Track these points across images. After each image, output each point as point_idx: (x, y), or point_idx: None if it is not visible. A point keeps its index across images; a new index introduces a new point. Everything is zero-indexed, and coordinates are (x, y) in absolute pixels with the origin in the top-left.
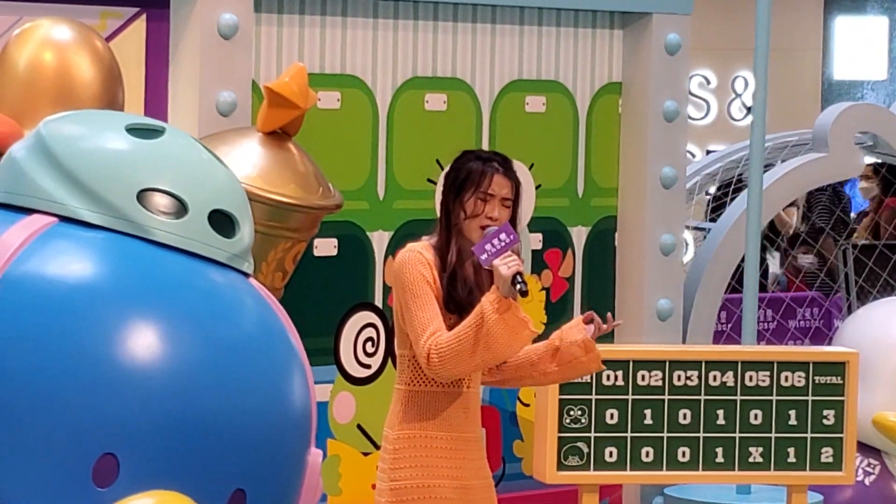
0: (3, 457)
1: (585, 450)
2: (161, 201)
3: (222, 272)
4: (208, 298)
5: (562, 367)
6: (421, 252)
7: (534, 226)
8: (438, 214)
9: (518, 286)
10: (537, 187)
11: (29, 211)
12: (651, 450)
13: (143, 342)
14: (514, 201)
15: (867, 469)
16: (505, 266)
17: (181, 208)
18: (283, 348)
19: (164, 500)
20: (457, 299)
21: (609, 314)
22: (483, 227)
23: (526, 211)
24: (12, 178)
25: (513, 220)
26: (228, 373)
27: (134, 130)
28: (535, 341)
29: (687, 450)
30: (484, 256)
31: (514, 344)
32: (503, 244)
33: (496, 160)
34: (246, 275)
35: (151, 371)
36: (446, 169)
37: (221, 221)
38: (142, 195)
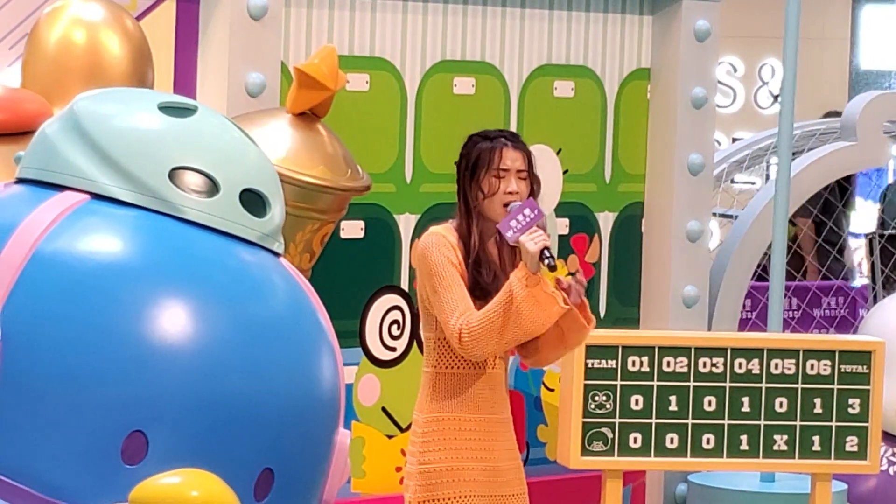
0: (32, 433)
1: (610, 435)
2: (193, 180)
3: (253, 251)
4: (239, 277)
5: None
6: (444, 235)
7: (560, 211)
8: (457, 200)
9: (546, 261)
10: (564, 172)
11: (60, 188)
12: (675, 436)
13: (174, 320)
14: (530, 173)
15: (892, 458)
16: (532, 242)
17: (213, 187)
18: (313, 328)
19: (192, 479)
20: (482, 284)
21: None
22: (506, 205)
23: (553, 196)
24: (44, 154)
25: (532, 192)
26: (258, 352)
27: (166, 109)
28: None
29: (711, 437)
30: (510, 233)
31: (543, 320)
32: (528, 219)
33: (504, 136)
34: (276, 254)
35: (181, 349)
36: (458, 156)
37: (252, 201)
38: (174, 173)
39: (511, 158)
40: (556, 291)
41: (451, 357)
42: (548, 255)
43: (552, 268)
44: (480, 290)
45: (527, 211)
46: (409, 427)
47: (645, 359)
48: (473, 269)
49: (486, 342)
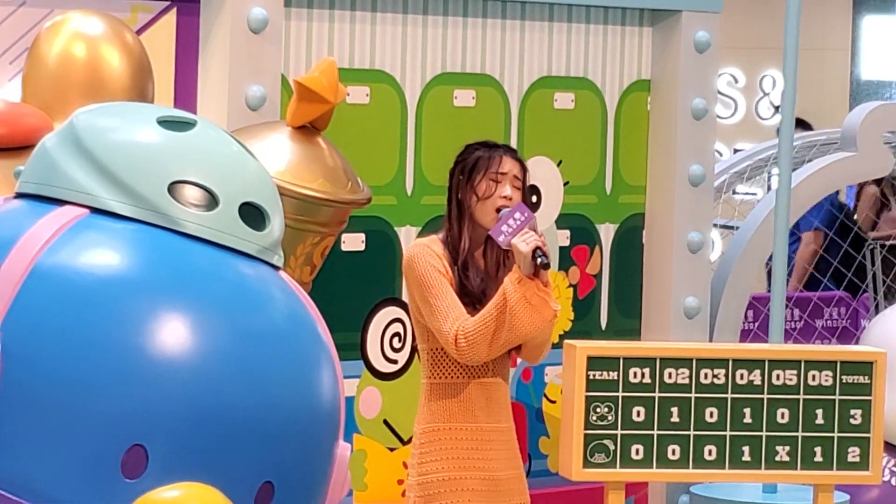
0: (33, 447)
1: (612, 447)
2: (192, 193)
3: (252, 265)
4: (238, 291)
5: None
6: (428, 245)
7: (561, 222)
8: (447, 208)
9: (538, 259)
10: (565, 184)
11: (60, 202)
12: (677, 448)
13: (173, 334)
14: (524, 185)
15: (894, 469)
16: (524, 243)
17: (212, 201)
18: (313, 341)
19: (192, 492)
20: (469, 289)
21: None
22: (498, 210)
23: (554, 207)
24: (44, 169)
25: (524, 201)
26: (258, 365)
27: (165, 123)
28: (562, 337)
29: (713, 448)
30: (502, 238)
31: (537, 322)
32: (519, 222)
33: (502, 146)
34: (276, 267)
35: (181, 363)
36: (452, 164)
37: (252, 214)
38: (173, 187)
39: (508, 165)
40: (549, 294)
41: (445, 367)
42: (540, 254)
43: (545, 266)
44: (468, 296)
45: (517, 214)
46: (410, 440)
47: (646, 370)
48: (461, 274)
49: (482, 346)
